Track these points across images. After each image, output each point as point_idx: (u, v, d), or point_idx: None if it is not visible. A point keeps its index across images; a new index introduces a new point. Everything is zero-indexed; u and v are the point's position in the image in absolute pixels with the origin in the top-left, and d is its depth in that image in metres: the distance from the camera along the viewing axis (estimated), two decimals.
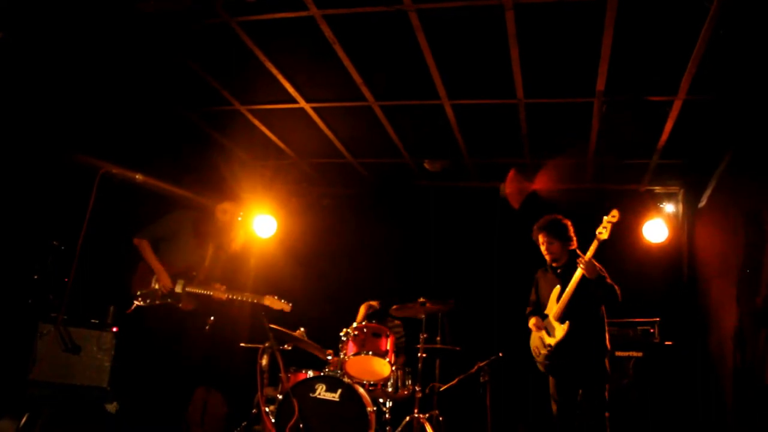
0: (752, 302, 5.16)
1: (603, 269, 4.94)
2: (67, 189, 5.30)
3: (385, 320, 6.26)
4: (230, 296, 5.47)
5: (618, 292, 4.91)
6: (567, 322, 4.93)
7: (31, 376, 4.93)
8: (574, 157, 6.94)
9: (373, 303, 6.63)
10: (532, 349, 5.31)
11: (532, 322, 5.24)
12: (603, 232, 4.90)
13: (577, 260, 4.90)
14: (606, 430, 4.83)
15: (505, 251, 7.59)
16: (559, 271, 5.21)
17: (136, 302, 5.39)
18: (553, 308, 5.08)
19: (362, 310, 6.64)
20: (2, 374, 4.80)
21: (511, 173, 7.42)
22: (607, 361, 4.95)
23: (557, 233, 5.20)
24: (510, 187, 7.52)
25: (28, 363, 4.92)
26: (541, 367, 5.19)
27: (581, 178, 7.42)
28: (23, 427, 4.46)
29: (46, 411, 4.64)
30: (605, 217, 4.95)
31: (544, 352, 5.09)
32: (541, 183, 7.35)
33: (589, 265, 4.83)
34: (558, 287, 5.08)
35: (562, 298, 4.99)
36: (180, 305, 5.43)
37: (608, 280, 4.94)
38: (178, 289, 5.44)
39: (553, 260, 5.23)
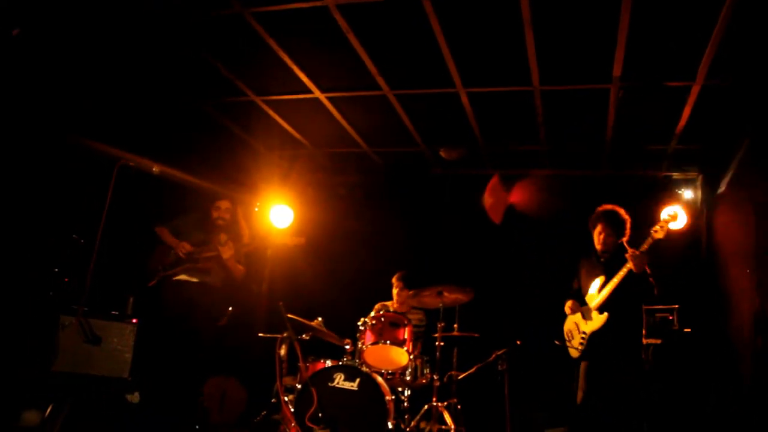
0: None
1: (647, 267, 4.82)
2: (85, 181, 5.36)
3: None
4: (242, 248, 5.87)
5: (655, 290, 4.85)
6: (606, 313, 4.90)
7: (54, 367, 5.00)
8: (591, 144, 6.89)
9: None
10: (564, 333, 5.30)
11: (568, 305, 5.22)
12: (659, 231, 4.80)
13: (627, 254, 4.78)
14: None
15: (522, 239, 7.57)
16: (602, 260, 5.16)
17: (158, 275, 5.64)
18: (594, 297, 5.05)
19: (396, 277, 6.53)
20: (26, 366, 4.87)
21: (492, 181, 7.39)
22: (643, 354, 4.92)
23: (617, 227, 5.12)
24: (488, 199, 7.49)
25: (51, 355, 4.99)
26: (572, 353, 5.16)
27: (598, 164, 7.38)
28: (48, 417, 4.52)
29: (69, 402, 4.70)
30: (663, 216, 4.85)
31: (578, 338, 5.08)
32: (516, 196, 7.37)
33: (639, 259, 4.73)
34: (602, 277, 5.04)
35: (605, 289, 4.94)
36: (199, 265, 5.72)
37: (651, 279, 4.84)
38: (195, 255, 5.73)
39: (603, 251, 5.16)
